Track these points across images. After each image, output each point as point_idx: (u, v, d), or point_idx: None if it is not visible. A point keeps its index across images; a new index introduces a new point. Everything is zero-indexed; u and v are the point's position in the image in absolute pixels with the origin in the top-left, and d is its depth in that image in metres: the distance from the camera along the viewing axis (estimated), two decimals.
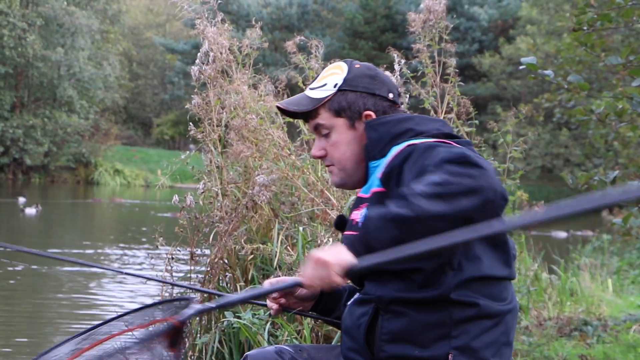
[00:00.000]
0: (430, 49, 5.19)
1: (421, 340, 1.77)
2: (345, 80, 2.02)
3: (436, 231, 1.49)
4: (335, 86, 2.02)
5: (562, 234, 18.22)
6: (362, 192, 1.97)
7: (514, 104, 6.94)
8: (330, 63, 4.99)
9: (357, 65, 2.06)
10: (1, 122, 36.72)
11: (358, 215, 1.91)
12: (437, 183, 1.60)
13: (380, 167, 1.90)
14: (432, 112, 5.17)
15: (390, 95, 2.05)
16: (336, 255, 1.63)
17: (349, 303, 1.99)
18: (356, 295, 1.97)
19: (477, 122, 5.26)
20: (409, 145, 1.82)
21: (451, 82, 5.13)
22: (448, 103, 5.15)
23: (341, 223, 2.08)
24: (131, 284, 9.72)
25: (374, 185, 1.89)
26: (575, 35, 4.06)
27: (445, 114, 5.14)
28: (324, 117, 2.02)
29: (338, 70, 2.06)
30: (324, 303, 2.18)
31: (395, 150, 1.86)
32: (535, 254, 8.24)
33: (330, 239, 4.57)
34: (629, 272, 10.11)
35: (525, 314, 6.15)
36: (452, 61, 5.16)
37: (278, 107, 2.10)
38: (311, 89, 2.07)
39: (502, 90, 40.43)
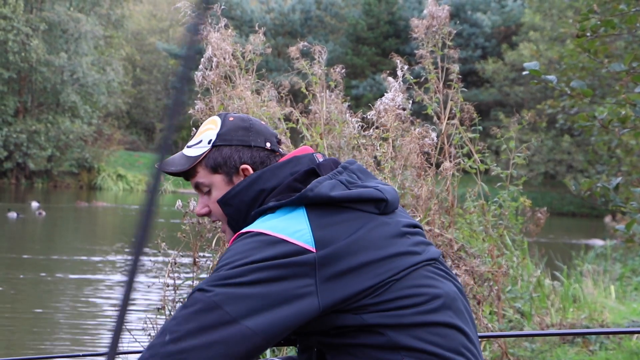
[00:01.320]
0: (433, 55, 5.19)
1: None
2: (218, 135, 1.99)
3: None
4: (209, 142, 1.99)
5: (599, 242, 18.10)
6: None
7: (516, 110, 6.94)
8: (334, 69, 5.03)
9: (230, 118, 2.03)
10: (5, 127, 36.74)
11: None
12: None
13: None
14: (435, 118, 5.18)
15: (268, 145, 2.01)
16: None
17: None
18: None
19: (480, 128, 5.27)
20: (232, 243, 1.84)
21: (454, 88, 5.14)
22: (451, 109, 5.15)
23: None
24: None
25: None
26: (578, 41, 4.06)
27: (448, 119, 5.14)
28: (202, 175, 2.00)
29: (212, 125, 2.03)
30: None
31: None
32: (538, 261, 8.24)
33: None
34: (631, 279, 10.10)
35: (528, 320, 6.14)
36: (455, 67, 5.17)
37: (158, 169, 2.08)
38: (188, 147, 2.04)
39: (505, 96, 40.44)
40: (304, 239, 1.75)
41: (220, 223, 2.06)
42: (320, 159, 1.97)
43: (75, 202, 27.35)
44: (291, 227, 1.77)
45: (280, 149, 2.06)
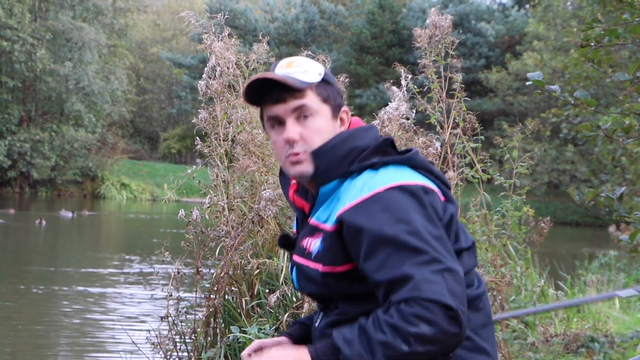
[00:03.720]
0: (436, 64, 5.20)
1: None
2: (326, 72, 1.99)
3: None
4: (321, 74, 1.96)
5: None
6: (315, 219, 1.94)
7: (520, 120, 6.94)
8: (337, 78, 5.02)
9: None
10: (9, 135, 36.83)
11: (311, 244, 1.90)
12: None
13: (337, 198, 1.89)
14: (438, 128, 5.17)
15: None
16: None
17: (317, 326, 1.98)
18: (325, 318, 1.95)
19: (483, 137, 5.26)
20: (367, 200, 1.81)
21: (457, 97, 5.14)
22: (454, 118, 5.15)
23: (287, 243, 2.07)
24: (133, 302, 9.71)
25: (330, 219, 1.87)
26: (582, 51, 4.05)
27: (451, 129, 5.14)
28: (312, 100, 1.94)
29: (307, 62, 1.98)
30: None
31: (355, 191, 1.85)
32: (542, 270, 8.22)
33: None
34: None
35: (531, 330, 6.12)
36: (459, 76, 5.17)
37: (256, 81, 1.93)
38: (289, 73, 1.94)
39: (508, 105, 40.46)
40: (433, 186, 1.90)
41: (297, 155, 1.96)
42: None
43: (91, 210, 27.36)
44: (418, 177, 1.88)
45: None
